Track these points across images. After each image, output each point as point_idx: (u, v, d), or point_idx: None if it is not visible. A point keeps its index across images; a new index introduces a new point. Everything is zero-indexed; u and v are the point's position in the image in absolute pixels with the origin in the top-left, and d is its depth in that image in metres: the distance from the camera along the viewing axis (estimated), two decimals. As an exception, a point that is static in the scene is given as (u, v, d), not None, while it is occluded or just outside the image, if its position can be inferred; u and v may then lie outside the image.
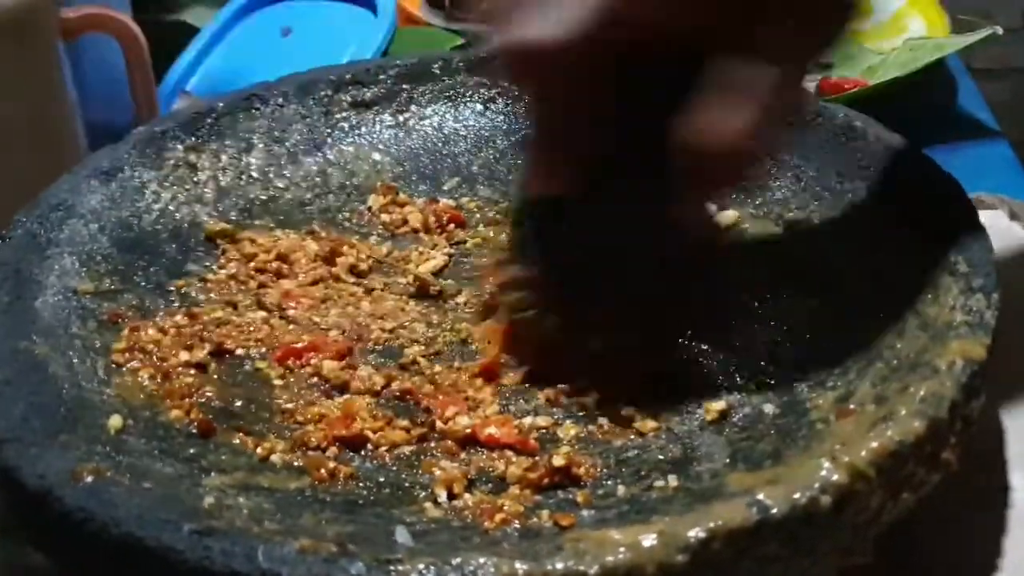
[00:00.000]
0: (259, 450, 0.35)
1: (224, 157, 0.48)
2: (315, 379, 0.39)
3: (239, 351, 0.40)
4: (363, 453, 0.36)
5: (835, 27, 0.35)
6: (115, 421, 0.35)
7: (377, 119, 0.51)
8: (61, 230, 0.42)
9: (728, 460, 0.34)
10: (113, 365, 0.38)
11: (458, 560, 0.27)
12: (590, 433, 0.36)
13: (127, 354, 0.38)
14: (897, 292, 0.37)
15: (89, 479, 0.31)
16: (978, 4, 0.74)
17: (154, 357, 0.39)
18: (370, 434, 0.36)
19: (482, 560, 0.27)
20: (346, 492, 0.34)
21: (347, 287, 0.44)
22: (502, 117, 0.52)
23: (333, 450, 0.35)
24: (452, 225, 0.47)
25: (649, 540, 0.27)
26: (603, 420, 0.37)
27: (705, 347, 0.39)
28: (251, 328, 0.41)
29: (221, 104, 0.50)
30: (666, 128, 0.34)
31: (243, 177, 0.48)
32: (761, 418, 0.36)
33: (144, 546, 0.29)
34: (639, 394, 0.37)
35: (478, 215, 0.48)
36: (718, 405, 0.36)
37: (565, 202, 0.38)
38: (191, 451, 0.35)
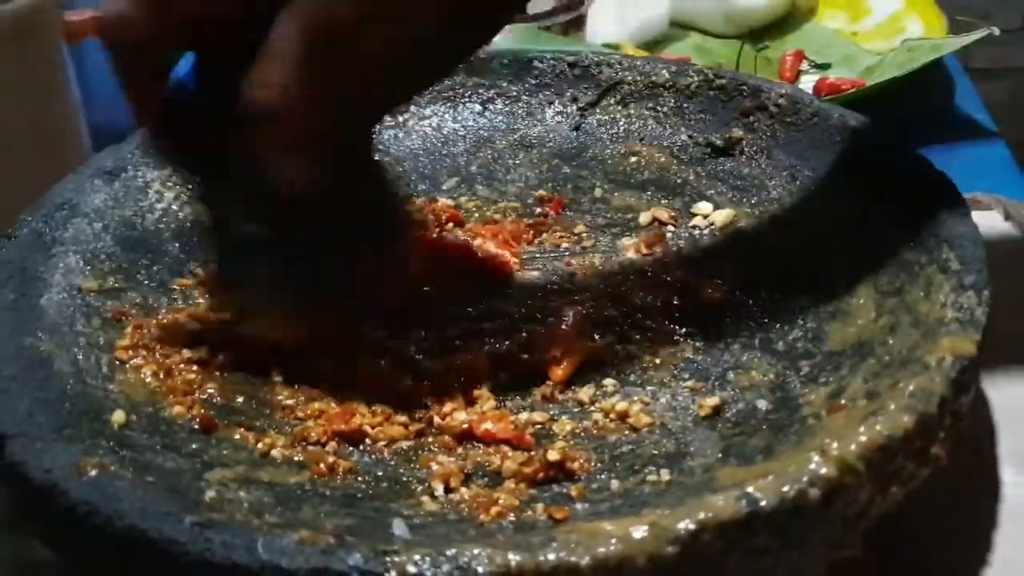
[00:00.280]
0: (260, 445, 0.36)
1: (226, 157, 0.49)
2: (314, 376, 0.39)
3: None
4: (362, 448, 0.36)
5: None
6: (118, 416, 0.35)
7: (377, 119, 0.52)
8: (66, 229, 0.43)
9: (720, 455, 0.34)
10: (117, 362, 0.38)
11: (453, 551, 0.27)
12: (585, 429, 0.37)
13: (130, 351, 0.39)
14: (889, 289, 0.38)
15: (93, 473, 0.31)
16: (976, 5, 0.74)
17: (157, 354, 0.39)
18: (369, 429, 0.37)
19: (476, 551, 0.27)
20: (345, 486, 0.34)
21: None
22: (501, 117, 0.52)
23: (332, 445, 0.36)
24: (451, 224, 0.48)
25: (640, 532, 0.28)
26: (598, 416, 0.37)
27: (699, 344, 0.40)
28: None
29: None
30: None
31: (245, 177, 0.49)
32: (754, 414, 0.36)
33: (147, 538, 0.29)
34: None
35: (476, 215, 0.49)
36: (711, 401, 0.37)
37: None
38: (193, 446, 0.35)
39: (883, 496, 0.30)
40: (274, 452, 0.36)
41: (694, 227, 0.46)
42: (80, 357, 0.38)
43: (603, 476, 0.34)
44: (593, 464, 0.35)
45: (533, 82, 0.53)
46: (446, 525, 0.32)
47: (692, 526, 0.28)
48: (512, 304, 0.42)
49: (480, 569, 0.27)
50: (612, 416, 0.37)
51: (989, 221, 0.49)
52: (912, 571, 0.35)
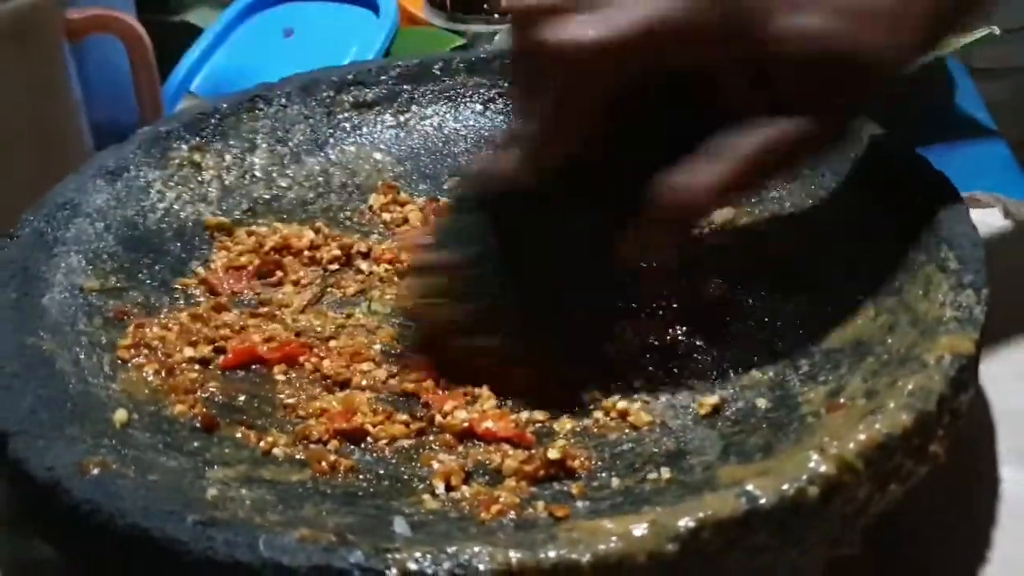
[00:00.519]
0: (261, 444, 0.36)
1: (228, 157, 0.49)
2: (316, 374, 0.39)
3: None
4: (363, 446, 0.37)
5: (853, 95, 0.36)
6: (120, 415, 0.35)
7: (378, 119, 0.52)
8: (68, 229, 0.43)
9: (720, 453, 0.35)
10: (119, 361, 0.39)
11: (454, 549, 0.28)
12: (585, 427, 0.37)
13: (132, 350, 0.39)
14: (888, 288, 0.38)
15: (96, 471, 0.31)
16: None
17: (159, 353, 0.39)
18: (370, 428, 0.37)
19: (477, 549, 0.28)
20: (346, 484, 0.34)
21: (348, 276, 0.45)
22: (502, 117, 0.52)
23: (334, 443, 0.36)
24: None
25: (640, 529, 0.28)
26: (598, 414, 0.37)
27: (699, 343, 0.40)
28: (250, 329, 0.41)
29: (225, 104, 0.50)
30: (642, 165, 0.35)
31: (247, 176, 0.49)
32: (753, 412, 0.36)
33: (149, 536, 0.29)
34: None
35: (477, 213, 0.49)
36: (711, 400, 0.37)
37: (516, 201, 0.38)
38: (195, 445, 0.35)
39: (882, 494, 0.31)
40: (276, 451, 0.36)
41: (694, 226, 0.46)
42: (82, 356, 0.38)
43: (604, 474, 0.34)
44: (594, 462, 0.35)
45: (534, 81, 0.53)
46: (447, 523, 0.32)
47: (692, 524, 0.28)
48: None
49: (481, 567, 0.27)
50: (612, 415, 0.37)
51: (988, 219, 0.49)
52: (911, 569, 0.35)
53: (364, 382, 0.39)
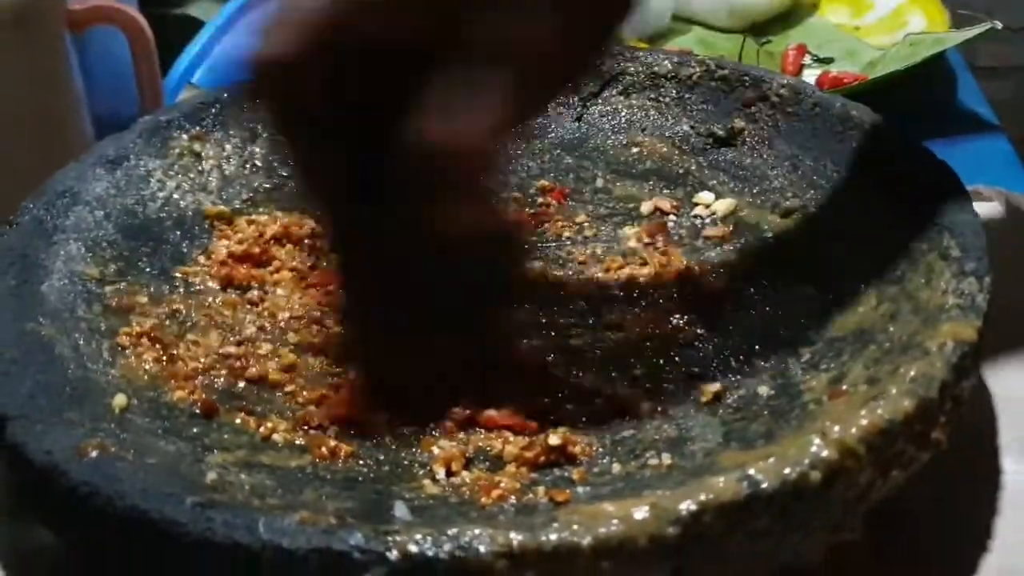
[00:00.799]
0: (261, 430, 0.36)
1: (228, 146, 0.49)
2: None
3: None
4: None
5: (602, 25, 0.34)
6: (119, 400, 0.35)
7: (379, 109, 0.52)
8: (67, 217, 0.43)
9: (721, 440, 0.34)
10: (118, 347, 0.38)
11: (455, 531, 0.27)
12: (586, 414, 0.37)
13: (132, 337, 0.39)
14: (890, 276, 0.38)
15: (94, 454, 0.31)
16: (977, 2, 0.74)
17: (158, 341, 0.39)
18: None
19: (478, 531, 0.27)
20: (346, 469, 0.34)
21: None
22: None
23: (334, 429, 0.36)
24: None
25: (641, 513, 0.28)
26: (599, 402, 0.37)
27: (700, 331, 0.40)
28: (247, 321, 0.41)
29: (225, 94, 0.50)
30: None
31: (247, 166, 0.49)
32: (755, 399, 0.36)
33: (148, 519, 0.29)
34: None
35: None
36: (713, 387, 0.37)
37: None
38: (194, 430, 0.35)
39: (884, 480, 0.31)
40: (275, 436, 0.36)
41: (696, 216, 0.46)
42: (81, 342, 0.38)
43: (604, 460, 0.34)
44: (594, 448, 0.35)
45: (535, 73, 0.53)
46: (447, 508, 0.32)
47: (693, 507, 0.28)
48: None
49: (481, 548, 0.27)
50: (613, 402, 0.37)
51: (990, 211, 0.49)
52: (911, 555, 0.35)
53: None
